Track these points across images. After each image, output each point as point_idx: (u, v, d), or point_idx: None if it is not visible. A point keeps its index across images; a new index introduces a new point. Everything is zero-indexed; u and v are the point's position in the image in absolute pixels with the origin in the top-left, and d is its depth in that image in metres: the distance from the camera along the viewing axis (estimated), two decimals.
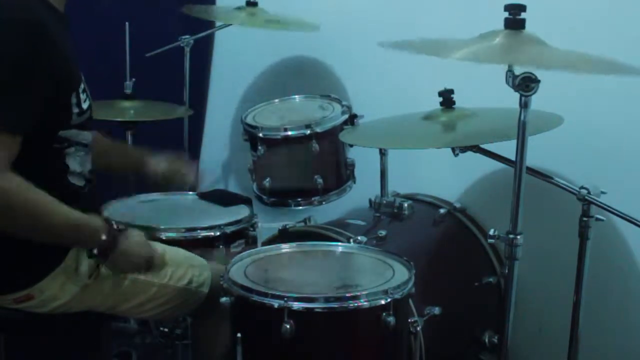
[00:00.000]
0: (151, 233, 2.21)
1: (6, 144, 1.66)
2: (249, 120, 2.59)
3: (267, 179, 2.53)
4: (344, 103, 2.57)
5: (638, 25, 2.28)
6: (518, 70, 1.67)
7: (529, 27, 1.74)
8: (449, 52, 1.72)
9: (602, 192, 1.87)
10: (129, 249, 1.85)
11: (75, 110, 1.85)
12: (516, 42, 1.71)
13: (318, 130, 2.44)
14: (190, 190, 2.57)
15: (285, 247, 2.12)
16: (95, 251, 1.80)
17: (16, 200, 1.67)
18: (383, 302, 1.80)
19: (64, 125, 1.85)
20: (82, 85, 1.88)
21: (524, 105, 1.69)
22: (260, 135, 2.51)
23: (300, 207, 2.55)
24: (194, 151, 3.43)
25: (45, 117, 1.75)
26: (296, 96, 2.74)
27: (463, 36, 1.88)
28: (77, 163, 1.90)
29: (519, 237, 1.76)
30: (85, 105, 1.88)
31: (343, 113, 2.51)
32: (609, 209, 1.86)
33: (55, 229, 1.74)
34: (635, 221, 1.86)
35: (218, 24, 3.12)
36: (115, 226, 1.84)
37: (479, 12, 2.43)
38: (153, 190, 2.60)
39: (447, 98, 2.19)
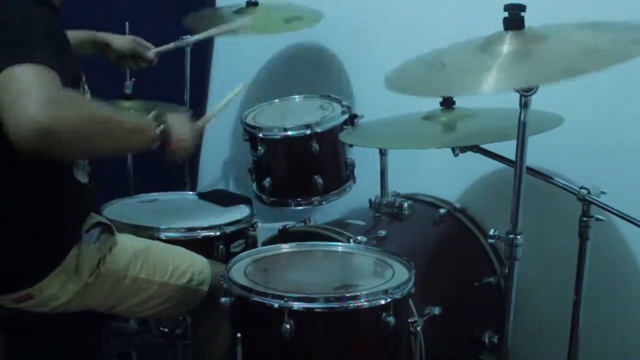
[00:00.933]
0: (150, 233, 2.22)
1: (45, 74, 1.58)
2: (249, 120, 2.59)
3: (267, 179, 2.53)
4: (343, 103, 2.57)
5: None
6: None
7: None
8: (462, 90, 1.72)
9: (602, 192, 1.87)
10: (179, 132, 1.90)
11: None
12: (520, 52, 1.69)
13: (318, 130, 2.44)
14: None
15: (285, 247, 2.12)
16: (155, 145, 1.84)
17: (89, 112, 1.64)
18: (383, 302, 1.80)
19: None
20: (83, 78, 1.88)
21: (524, 105, 1.69)
22: (260, 135, 2.51)
23: (300, 207, 2.55)
24: (194, 151, 3.43)
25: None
26: (296, 96, 2.74)
27: (463, 35, 1.88)
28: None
29: (519, 237, 1.76)
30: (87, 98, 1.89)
31: (343, 113, 2.52)
32: (609, 209, 1.86)
33: (124, 130, 1.75)
34: (635, 221, 1.87)
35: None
36: (161, 117, 1.87)
37: (479, 9, 2.43)
38: (152, 187, 2.62)
39: (447, 98, 2.19)
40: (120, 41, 2.59)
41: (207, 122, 2.12)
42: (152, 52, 2.67)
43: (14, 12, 1.67)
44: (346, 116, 2.50)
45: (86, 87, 1.89)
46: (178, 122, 1.91)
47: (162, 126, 1.84)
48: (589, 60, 1.65)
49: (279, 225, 2.44)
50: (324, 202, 2.54)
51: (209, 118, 2.15)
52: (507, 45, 1.70)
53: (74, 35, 2.21)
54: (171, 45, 2.77)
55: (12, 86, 1.54)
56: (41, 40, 1.63)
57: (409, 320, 1.96)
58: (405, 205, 2.51)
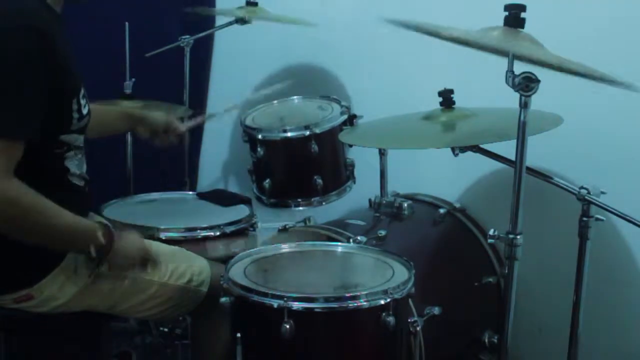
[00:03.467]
0: (150, 233, 2.22)
1: (6, 150, 1.67)
2: (248, 122, 2.59)
3: (267, 180, 2.53)
4: (343, 103, 2.57)
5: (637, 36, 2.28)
6: (516, 69, 1.67)
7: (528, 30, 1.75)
8: (445, 31, 1.73)
9: (602, 192, 1.87)
10: (126, 249, 1.88)
11: (76, 115, 1.86)
12: (513, 37, 1.71)
13: (317, 131, 2.45)
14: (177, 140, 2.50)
15: (285, 247, 2.12)
16: (93, 253, 1.82)
17: (18, 207, 1.68)
18: (383, 302, 1.80)
19: (65, 130, 1.85)
20: (82, 91, 1.89)
21: (524, 105, 1.69)
22: (260, 136, 2.51)
23: (300, 208, 2.55)
24: (194, 151, 3.43)
25: (47, 123, 1.76)
26: (295, 97, 2.74)
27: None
28: (75, 165, 1.92)
29: (518, 237, 1.76)
30: (85, 111, 1.89)
31: (342, 113, 2.52)
32: (608, 209, 1.86)
33: (55, 233, 1.76)
34: (635, 221, 1.86)
35: (218, 23, 3.12)
36: (111, 229, 1.86)
37: (479, 12, 2.43)
38: (152, 187, 2.61)
39: (447, 98, 2.18)
40: (154, 117, 2.41)
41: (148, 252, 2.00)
42: (184, 126, 2.47)
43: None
44: (345, 116, 2.51)
45: (84, 100, 1.89)
46: (129, 240, 1.91)
47: (108, 237, 1.83)
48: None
49: (279, 225, 2.44)
50: (324, 202, 2.55)
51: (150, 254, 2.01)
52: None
53: (108, 111, 2.27)
54: (200, 118, 2.58)
55: None
56: (9, 96, 1.68)
57: (409, 320, 1.96)
58: (405, 205, 2.51)
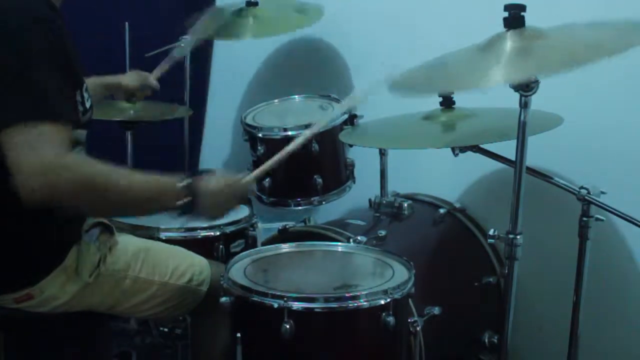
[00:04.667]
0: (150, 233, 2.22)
1: (59, 132, 1.63)
2: (249, 120, 2.59)
3: (267, 179, 2.53)
4: (342, 102, 2.57)
5: None
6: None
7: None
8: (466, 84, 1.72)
9: (602, 192, 1.87)
10: (211, 198, 1.80)
11: (81, 109, 1.85)
12: (522, 47, 1.70)
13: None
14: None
15: (285, 247, 2.12)
16: (180, 210, 1.77)
17: (88, 180, 1.64)
18: (383, 302, 1.80)
19: (75, 125, 1.84)
20: (84, 85, 1.88)
21: (524, 105, 1.70)
22: (260, 135, 2.51)
23: (300, 207, 2.55)
24: (194, 151, 3.43)
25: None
26: (296, 96, 2.74)
27: (463, 33, 1.88)
28: None
29: (519, 237, 1.76)
30: (88, 104, 1.89)
31: (343, 113, 2.51)
32: (608, 209, 1.86)
33: (132, 196, 1.72)
34: (635, 221, 1.87)
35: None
36: (190, 182, 1.79)
37: (479, 8, 2.43)
38: None
39: (447, 98, 2.19)
40: (127, 79, 2.57)
41: (258, 175, 1.99)
42: (153, 77, 2.65)
43: (12, 53, 1.66)
44: (346, 116, 2.50)
45: (86, 94, 1.88)
46: (213, 182, 1.82)
47: (186, 185, 1.76)
48: (590, 51, 1.66)
49: (279, 225, 2.44)
50: (323, 202, 2.54)
51: (261, 172, 2.00)
52: (508, 43, 1.71)
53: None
54: (166, 66, 2.72)
55: (15, 149, 1.59)
56: (44, 82, 1.66)
57: (409, 320, 1.96)
58: (405, 205, 2.51)
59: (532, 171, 1.87)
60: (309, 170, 2.50)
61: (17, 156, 1.59)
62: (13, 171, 1.59)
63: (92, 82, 2.38)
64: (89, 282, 1.89)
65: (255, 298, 1.80)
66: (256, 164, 2.58)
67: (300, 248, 2.13)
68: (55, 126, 1.62)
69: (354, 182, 2.60)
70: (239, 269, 1.96)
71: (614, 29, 1.72)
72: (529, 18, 1.74)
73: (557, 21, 1.81)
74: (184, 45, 2.75)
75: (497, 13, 1.75)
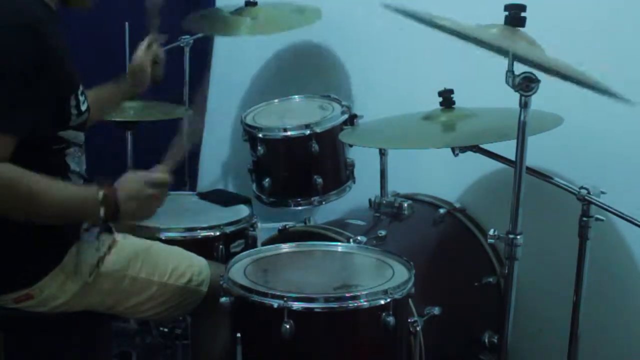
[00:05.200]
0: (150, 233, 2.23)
1: None
2: (249, 120, 2.59)
3: (267, 179, 2.53)
4: (343, 103, 2.57)
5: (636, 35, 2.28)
6: (516, 69, 1.67)
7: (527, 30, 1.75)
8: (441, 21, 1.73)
9: (602, 192, 1.87)
10: (130, 193, 1.80)
11: (74, 112, 1.86)
12: (512, 36, 1.71)
13: (318, 130, 2.44)
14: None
15: (285, 247, 2.12)
16: (102, 220, 1.78)
17: (11, 185, 1.67)
18: (383, 302, 1.80)
19: (63, 127, 1.85)
20: (80, 88, 1.88)
21: (524, 105, 1.69)
22: (260, 135, 2.51)
23: (300, 207, 2.55)
24: (194, 151, 3.43)
25: (45, 119, 1.76)
26: (296, 96, 2.74)
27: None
28: (75, 163, 1.91)
29: (519, 237, 1.76)
30: (83, 107, 1.89)
31: (343, 113, 2.52)
32: (608, 209, 1.86)
33: (54, 206, 1.73)
34: (635, 221, 1.86)
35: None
36: (106, 192, 1.78)
37: (479, 8, 2.43)
38: None
39: (447, 98, 2.18)
40: (137, 59, 2.45)
41: (170, 165, 1.92)
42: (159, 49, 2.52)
43: None
44: (346, 116, 2.50)
45: (82, 97, 1.89)
46: (130, 184, 1.82)
47: (103, 194, 1.76)
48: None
49: (279, 225, 2.44)
50: (323, 202, 2.54)
51: (172, 160, 1.94)
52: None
53: (102, 95, 2.26)
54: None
55: None
56: (11, 89, 1.67)
57: (409, 320, 1.96)
58: (405, 205, 2.51)
59: (532, 171, 1.87)
60: (309, 170, 2.50)
61: None
62: None
63: (108, 91, 2.37)
64: (88, 281, 1.89)
65: (255, 298, 1.80)
66: (256, 164, 2.58)
67: (300, 248, 2.13)
68: None
69: (354, 182, 2.60)
70: (239, 269, 1.95)
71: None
72: (529, 18, 1.74)
73: (558, 21, 1.82)
74: None
75: (498, 14, 1.75)
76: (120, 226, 1.91)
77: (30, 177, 1.70)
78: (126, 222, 1.85)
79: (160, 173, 1.86)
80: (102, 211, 1.76)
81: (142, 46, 2.45)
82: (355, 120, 2.50)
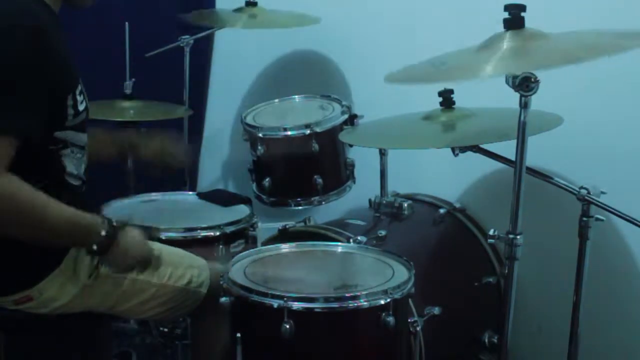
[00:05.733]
0: (151, 233, 2.22)
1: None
2: (249, 120, 2.59)
3: (267, 179, 2.53)
4: (343, 103, 2.57)
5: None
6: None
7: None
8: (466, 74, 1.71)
9: (602, 192, 1.87)
10: (128, 246, 1.83)
11: (71, 112, 1.84)
12: (520, 46, 1.70)
13: (318, 130, 2.44)
14: (179, 166, 2.51)
15: (285, 247, 2.12)
16: (95, 247, 1.78)
17: (13, 202, 1.66)
18: (383, 302, 1.80)
19: (59, 127, 1.84)
20: (79, 87, 1.88)
21: (524, 105, 1.69)
22: (260, 135, 2.51)
23: (300, 207, 2.55)
24: (194, 151, 3.43)
25: (43, 120, 1.75)
26: (296, 96, 2.74)
27: (462, 34, 1.88)
28: (72, 164, 1.90)
29: (519, 237, 1.76)
30: (81, 107, 1.88)
31: (343, 113, 2.52)
32: (609, 209, 1.86)
33: (53, 228, 1.72)
34: (635, 221, 1.86)
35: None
36: (114, 223, 1.82)
37: (479, 8, 2.43)
38: (152, 187, 2.61)
39: (447, 98, 2.19)
40: (148, 145, 2.43)
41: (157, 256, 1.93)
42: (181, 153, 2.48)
43: None
44: (346, 116, 2.51)
45: (80, 97, 1.88)
46: (131, 237, 1.84)
47: (111, 231, 1.78)
48: (587, 51, 1.68)
49: (279, 225, 2.44)
50: (323, 202, 2.54)
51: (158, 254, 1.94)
52: (507, 42, 1.72)
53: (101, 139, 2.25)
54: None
55: None
56: (8, 95, 1.67)
57: (409, 320, 1.96)
58: (405, 205, 2.51)
59: (532, 171, 1.87)
60: (309, 170, 2.50)
61: None
62: None
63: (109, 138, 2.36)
64: (87, 283, 1.89)
65: (255, 298, 1.80)
66: (256, 163, 2.58)
67: (300, 248, 2.13)
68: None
69: (354, 182, 2.60)
70: (239, 269, 1.95)
71: (612, 34, 1.72)
72: (529, 18, 1.74)
73: (557, 21, 1.81)
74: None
75: (497, 15, 1.75)
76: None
77: (38, 198, 1.69)
78: (109, 261, 1.83)
79: (154, 250, 1.91)
80: (103, 232, 1.77)
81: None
82: (355, 120, 2.50)
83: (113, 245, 1.79)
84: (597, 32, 1.78)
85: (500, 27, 1.75)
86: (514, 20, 1.73)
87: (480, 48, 1.77)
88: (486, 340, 2.38)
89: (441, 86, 2.17)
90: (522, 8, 1.73)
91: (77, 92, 1.86)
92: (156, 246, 2.08)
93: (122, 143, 2.40)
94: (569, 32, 1.79)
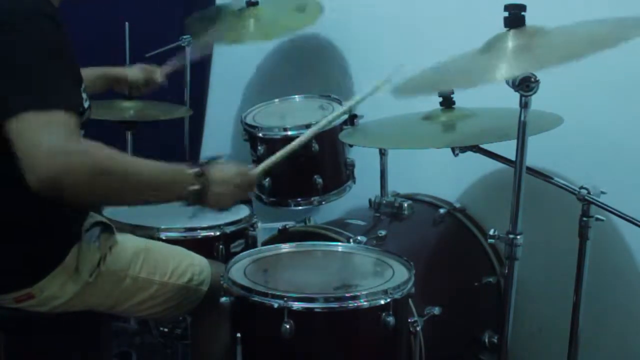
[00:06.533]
0: (150, 233, 2.22)
1: (66, 121, 1.60)
2: (249, 120, 2.59)
3: (267, 179, 2.53)
4: (343, 103, 2.57)
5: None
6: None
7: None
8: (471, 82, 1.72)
9: (602, 192, 1.87)
10: (222, 179, 1.80)
11: (79, 109, 1.84)
12: (524, 44, 1.70)
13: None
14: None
15: (285, 247, 2.12)
16: (194, 188, 1.76)
17: (102, 164, 1.62)
18: (383, 302, 1.80)
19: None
20: (83, 84, 1.88)
21: (524, 105, 1.70)
22: (260, 135, 2.51)
23: (300, 207, 2.55)
24: (194, 151, 3.43)
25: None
26: (296, 96, 2.74)
27: (463, 33, 1.88)
28: None
29: (519, 237, 1.76)
30: (86, 105, 1.89)
31: (343, 112, 2.51)
32: (609, 209, 1.86)
33: (143, 184, 1.71)
34: (635, 221, 1.87)
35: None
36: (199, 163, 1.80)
37: (479, 8, 2.43)
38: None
39: (447, 98, 2.19)
40: (131, 73, 2.66)
41: (265, 169, 1.98)
42: (160, 74, 2.75)
43: (26, 44, 1.64)
44: (346, 116, 2.50)
45: (84, 95, 1.88)
46: (225, 169, 1.83)
47: (198, 172, 1.76)
48: (590, 45, 1.67)
49: (279, 225, 2.44)
50: (323, 202, 2.54)
51: (268, 165, 1.99)
52: (510, 42, 1.73)
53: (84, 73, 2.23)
54: (174, 61, 2.83)
55: (25, 134, 1.56)
56: (56, 72, 1.64)
57: (409, 320, 1.96)
58: (405, 205, 2.51)
59: (532, 171, 1.87)
60: (309, 170, 2.50)
61: (29, 139, 1.55)
62: (22, 157, 1.55)
63: (92, 72, 2.40)
64: (89, 281, 1.89)
65: (255, 298, 1.80)
66: (256, 163, 2.58)
67: (300, 248, 2.13)
68: (65, 114, 1.59)
69: (354, 182, 2.60)
70: (239, 269, 1.95)
71: (613, 24, 1.72)
72: (529, 18, 1.74)
73: (557, 21, 1.81)
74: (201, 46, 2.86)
75: (499, 11, 1.75)
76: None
77: (125, 157, 1.70)
78: (209, 205, 1.82)
79: (254, 170, 1.91)
80: (195, 187, 1.75)
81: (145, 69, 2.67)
82: (355, 120, 2.50)
83: (207, 191, 1.77)
84: (598, 22, 1.77)
85: (501, 21, 1.74)
86: (514, 19, 1.73)
87: (483, 51, 1.77)
88: (486, 340, 2.38)
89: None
90: (522, 8, 1.73)
91: (82, 88, 1.86)
92: (156, 244, 2.09)
93: (108, 77, 2.59)
94: (570, 25, 1.78)
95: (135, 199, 1.75)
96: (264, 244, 2.35)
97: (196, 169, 1.77)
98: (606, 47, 1.60)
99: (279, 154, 2.01)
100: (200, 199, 1.79)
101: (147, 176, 1.71)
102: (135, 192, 1.71)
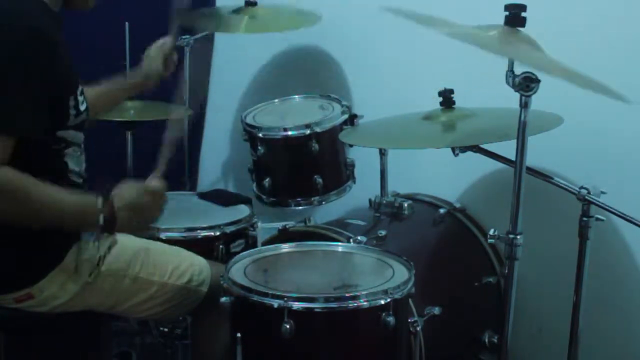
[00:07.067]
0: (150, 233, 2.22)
1: None
2: (249, 120, 2.59)
3: (267, 179, 2.53)
4: (343, 103, 2.57)
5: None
6: (516, 69, 1.67)
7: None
8: (442, 26, 1.73)
9: (602, 192, 1.87)
10: (129, 204, 1.79)
11: (73, 112, 1.86)
12: (513, 38, 1.71)
13: (318, 130, 2.44)
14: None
15: (285, 247, 2.12)
16: (101, 222, 1.76)
17: (8, 189, 1.67)
18: (383, 302, 1.80)
19: (61, 126, 1.85)
20: (80, 88, 1.89)
21: (524, 105, 1.70)
22: (260, 135, 2.51)
23: (300, 207, 2.55)
24: (194, 151, 3.43)
25: (44, 119, 1.76)
26: (296, 96, 2.74)
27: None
28: (74, 163, 1.91)
29: (519, 237, 1.76)
30: (82, 107, 1.90)
31: (343, 113, 2.52)
32: (609, 209, 1.86)
33: (53, 213, 1.73)
34: (635, 221, 1.87)
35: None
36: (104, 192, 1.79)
37: (479, 8, 2.43)
38: None
39: (447, 98, 2.19)
40: (147, 67, 2.47)
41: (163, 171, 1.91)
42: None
43: None
44: (346, 116, 2.50)
45: (81, 97, 1.89)
46: (127, 193, 1.80)
47: (102, 202, 1.76)
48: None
49: (279, 225, 2.44)
50: (324, 202, 2.54)
51: (163, 167, 1.92)
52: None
53: (111, 90, 2.30)
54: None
55: None
56: (7, 92, 1.68)
57: (409, 320, 1.96)
58: (405, 205, 2.51)
59: (532, 171, 1.87)
60: (309, 170, 2.50)
61: None
62: None
63: (117, 88, 2.38)
64: (88, 281, 1.89)
65: (255, 298, 1.80)
66: (256, 163, 2.58)
67: (300, 248, 2.13)
68: None
69: (354, 182, 2.60)
70: (239, 269, 1.95)
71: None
72: (529, 19, 1.74)
73: (558, 21, 1.82)
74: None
75: (498, 16, 1.75)
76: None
77: (29, 181, 1.70)
78: (124, 232, 1.85)
79: (155, 182, 1.85)
80: (101, 219, 1.76)
81: (158, 43, 2.49)
82: (355, 120, 2.50)
83: (116, 213, 1.77)
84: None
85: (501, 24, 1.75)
86: (514, 19, 1.73)
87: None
88: (486, 340, 2.38)
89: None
90: (523, 8, 1.73)
91: (79, 92, 1.87)
92: (156, 245, 2.09)
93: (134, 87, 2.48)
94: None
95: (36, 223, 1.75)
96: (264, 244, 2.35)
97: (99, 201, 1.76)
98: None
99: (165, 153, 1.95)
100: (112, 228, 1.79)
101: (52, 204, 1.73)
102: (36, 217, 1.73)
